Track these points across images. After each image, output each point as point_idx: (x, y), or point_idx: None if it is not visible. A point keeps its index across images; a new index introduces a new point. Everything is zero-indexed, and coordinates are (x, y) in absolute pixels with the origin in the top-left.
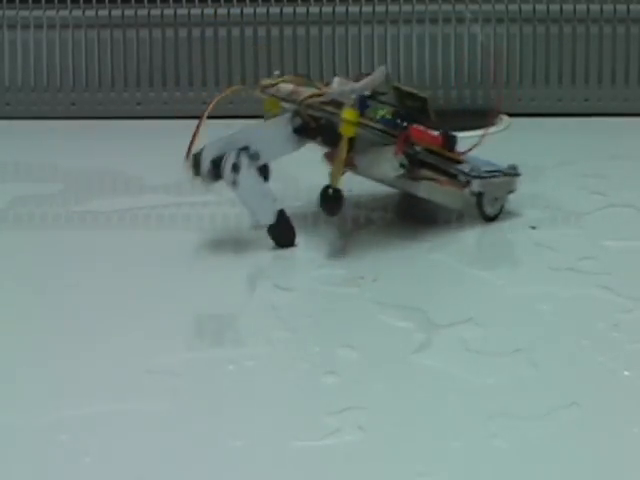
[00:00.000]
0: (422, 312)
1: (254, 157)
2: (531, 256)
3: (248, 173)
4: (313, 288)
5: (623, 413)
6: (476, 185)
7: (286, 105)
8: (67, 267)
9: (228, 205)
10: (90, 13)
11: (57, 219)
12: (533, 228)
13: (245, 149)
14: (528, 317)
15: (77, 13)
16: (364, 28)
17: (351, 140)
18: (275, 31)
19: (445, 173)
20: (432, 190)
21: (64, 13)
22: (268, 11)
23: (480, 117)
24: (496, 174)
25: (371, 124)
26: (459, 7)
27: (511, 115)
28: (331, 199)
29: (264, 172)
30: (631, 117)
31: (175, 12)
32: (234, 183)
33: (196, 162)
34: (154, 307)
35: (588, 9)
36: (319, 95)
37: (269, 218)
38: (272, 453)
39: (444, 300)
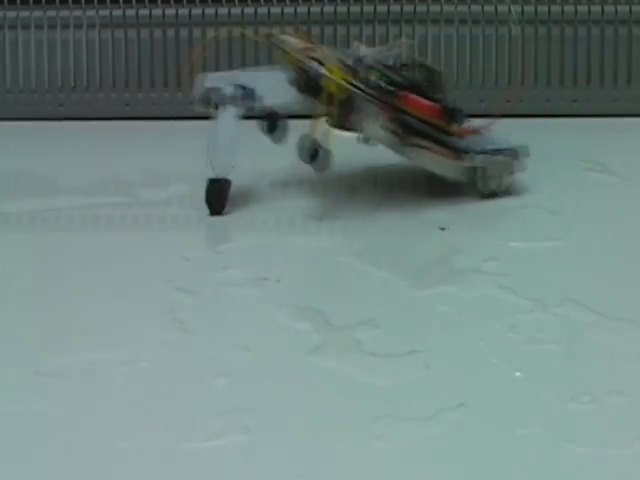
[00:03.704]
0: (322, 313)
1: (253, 96)
2: (437, 257)
3: (230, 113)
4: (215, 290)
5: (508, 414)
6: (475, 159)
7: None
8: None
9: (137, 206)
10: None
11: None
12: (442, 229)
13: (244, 88)
14: (428, 318)
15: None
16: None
17: (345, 100)
18: None
19: (442, 144)
20: (423, 158)
21: None
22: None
23: None
24: (502, 152)
25: (356, 84)
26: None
27: None
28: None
29: (273, 118)
30: (563, 118)
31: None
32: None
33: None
34: (48, 308)
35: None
36: (309, 49)
37: (225, 172)
38: (157, 455)
39: (346, 301)
